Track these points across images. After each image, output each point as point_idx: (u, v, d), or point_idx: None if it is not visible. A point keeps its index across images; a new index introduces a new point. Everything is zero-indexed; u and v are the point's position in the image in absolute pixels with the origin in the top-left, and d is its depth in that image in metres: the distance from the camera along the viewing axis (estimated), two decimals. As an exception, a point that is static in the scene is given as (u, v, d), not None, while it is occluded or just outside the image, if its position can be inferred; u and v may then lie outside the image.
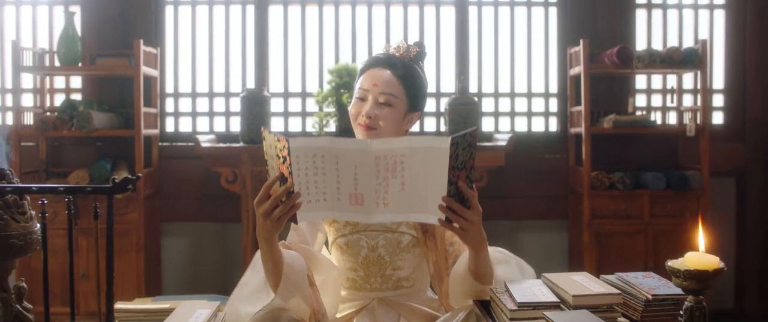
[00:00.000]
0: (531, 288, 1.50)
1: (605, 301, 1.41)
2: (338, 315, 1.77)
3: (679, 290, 1.33)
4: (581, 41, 3.67)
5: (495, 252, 1.69)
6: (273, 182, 1.42)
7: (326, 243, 1.88)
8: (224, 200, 3.80)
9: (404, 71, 1.72)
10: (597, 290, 1.43)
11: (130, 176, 1.14)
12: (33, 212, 1.30)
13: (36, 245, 1.30)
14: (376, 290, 1.78)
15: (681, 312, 1.25)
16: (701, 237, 1.29)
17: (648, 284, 1.50)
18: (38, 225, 1.31)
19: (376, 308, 1.76)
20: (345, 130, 3.45)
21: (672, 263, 1.25)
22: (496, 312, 1.45)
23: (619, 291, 1.45)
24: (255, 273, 1.69)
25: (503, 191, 3.93)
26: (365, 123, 1.69)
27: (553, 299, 1.42)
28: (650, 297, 1.43)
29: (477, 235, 1.49)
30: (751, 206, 4.15)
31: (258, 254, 1.63)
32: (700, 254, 1.23)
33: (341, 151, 1.39)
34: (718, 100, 4.22)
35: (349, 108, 1.75)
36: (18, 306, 1.28)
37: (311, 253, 1.71)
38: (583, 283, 1.49)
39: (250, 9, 4.02)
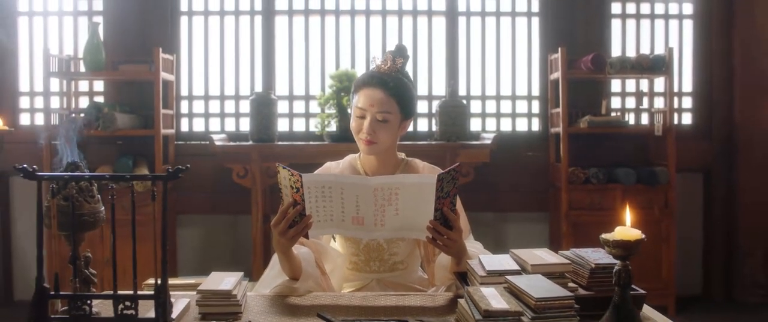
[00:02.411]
0: (499, 260, 1.76)
1: (557, 269, 1.68)
2: (342, 292, 2.04)
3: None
4: (559, 49, 3.89)
5: (472, 248, 1.88)
6: (287, 207, 1.69)
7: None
8: (235, 193, 3.98)
9: (395, 89, 1.93)
10: (551, 261, 1.70)
11: (181, 167, 1.45)
12: (99, 196, 1.61)
13: (101, 223, 1.60)
14: (375, 271, 2.03)
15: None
16: (628, 215, 1.54)
17: (594, 256, 1.74)
18: (103, 207, 1.61)
19: (374, 287, 2.04)
20: (345, 129, 3.60)
21: (604, 236, 1.53)
22: (470, 279, 1.72)
23: (569, 261, 1.75)
24: (272, 269, 1.96)
25: (489, 185, 4.13)
26: (366, 139, 1.93)
27: (516, 267, 1.70)
28: (594, 266, 1.68)
29: (459, 249, 1.76)
30: (717, 200, 4.35)
31: (275, 258, 1.91)
32: (627, 228, 1.52)
33: (345, 184, 1.68)
34: (687, 102, 4.40)
35: (351, 123, 1.99)
36: (86, 271, 1.59)
37: (321, 246, 2.00)
38: (541, 255, 1.76)
39: (258, 19, 4.24)
